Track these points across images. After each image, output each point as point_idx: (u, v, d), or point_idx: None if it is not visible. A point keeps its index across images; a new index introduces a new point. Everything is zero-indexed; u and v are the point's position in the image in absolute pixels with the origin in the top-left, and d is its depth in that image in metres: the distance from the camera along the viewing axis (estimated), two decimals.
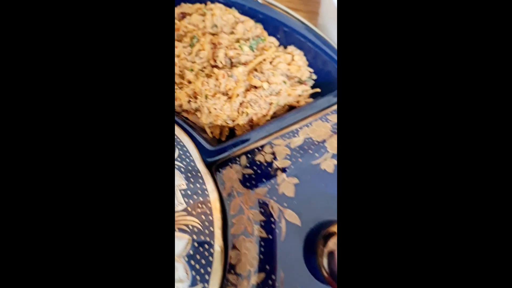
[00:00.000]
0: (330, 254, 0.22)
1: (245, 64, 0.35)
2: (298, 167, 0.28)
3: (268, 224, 0.26)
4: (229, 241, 0.26)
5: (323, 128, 0.31)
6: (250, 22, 0.37)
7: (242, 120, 0.34)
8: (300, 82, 0.37)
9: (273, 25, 0.38)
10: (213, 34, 0.36)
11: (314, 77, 0.38)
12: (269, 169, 0.28)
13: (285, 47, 0.39)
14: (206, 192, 0.27)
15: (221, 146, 0.31)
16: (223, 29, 0.36)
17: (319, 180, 0.28)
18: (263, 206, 0.26)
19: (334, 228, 0.24)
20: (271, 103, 0.35)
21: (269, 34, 0.39)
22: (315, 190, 0.27)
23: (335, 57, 0.37)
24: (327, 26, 0.42)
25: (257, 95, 0.34)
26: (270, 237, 0.26)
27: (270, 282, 0.24)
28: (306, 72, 0.37)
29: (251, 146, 0.31)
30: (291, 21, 0.38)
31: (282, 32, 0.39)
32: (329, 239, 0.23)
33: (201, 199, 0.26)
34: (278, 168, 0.28)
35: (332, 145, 0.29)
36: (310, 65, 0.38)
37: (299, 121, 0.32)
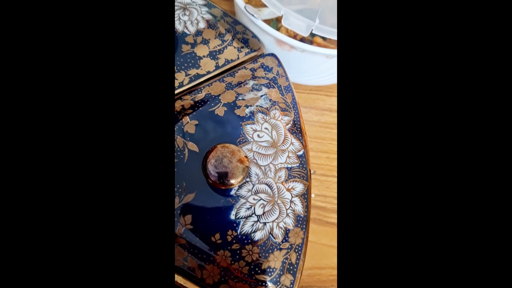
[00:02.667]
0: (208, 162, 0.34)
1: None
2: (199, 113, 0.39)
3: (176, 152, 0.37)
4: None
5: (219, 86, 0.42)
6: None
7: None
8: None
9: None
10: None
11: None
12: (178, 116, 0.39)
13: None
14: None
15: None
16: None
17: (212, 121, 0.39)
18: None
19: (214, 147, 0.35)
20: None
21: None
22: (210, 127, 0.38)
23: None
24: None
25: None
26: (177, 160, 0.37)
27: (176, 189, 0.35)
28: None
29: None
30: None
31: None
32: (209, 153, 0.34)
33: None
34: (184, 114, 0.39)
35: (224, 98, 0.40)
36: None
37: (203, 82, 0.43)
